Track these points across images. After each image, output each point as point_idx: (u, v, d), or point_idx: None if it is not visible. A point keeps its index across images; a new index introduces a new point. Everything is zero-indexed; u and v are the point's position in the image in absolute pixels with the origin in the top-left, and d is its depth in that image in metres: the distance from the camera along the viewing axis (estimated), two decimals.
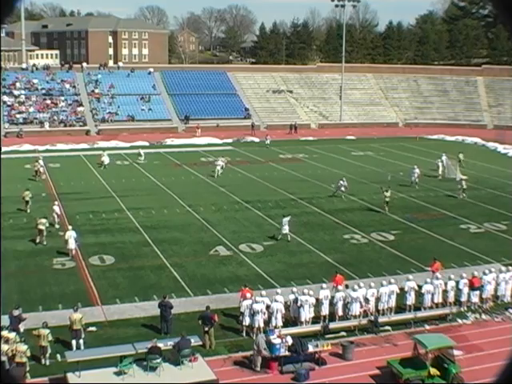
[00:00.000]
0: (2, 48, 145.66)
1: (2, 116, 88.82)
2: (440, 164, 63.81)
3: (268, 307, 28.00)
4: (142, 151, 72.10)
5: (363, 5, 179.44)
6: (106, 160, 67.37)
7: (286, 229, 41.86)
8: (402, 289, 30.52)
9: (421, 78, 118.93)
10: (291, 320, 28.81)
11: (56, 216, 43.99)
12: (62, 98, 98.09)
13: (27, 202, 48.34)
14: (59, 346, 25.81)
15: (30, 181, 57.50)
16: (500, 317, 30.85)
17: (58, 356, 24.94)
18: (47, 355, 25.03)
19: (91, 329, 27.78)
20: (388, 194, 49.68)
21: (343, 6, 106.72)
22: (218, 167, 63.48)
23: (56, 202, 47.19)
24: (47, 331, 25.02)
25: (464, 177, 61.61)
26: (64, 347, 25.66)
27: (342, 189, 54.49)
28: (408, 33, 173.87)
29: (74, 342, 26.21)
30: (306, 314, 28.54)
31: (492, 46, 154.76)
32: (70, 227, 40.46)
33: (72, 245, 38.04)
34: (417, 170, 59.66)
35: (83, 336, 26.52)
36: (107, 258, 38.02)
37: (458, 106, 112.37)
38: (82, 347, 26.21)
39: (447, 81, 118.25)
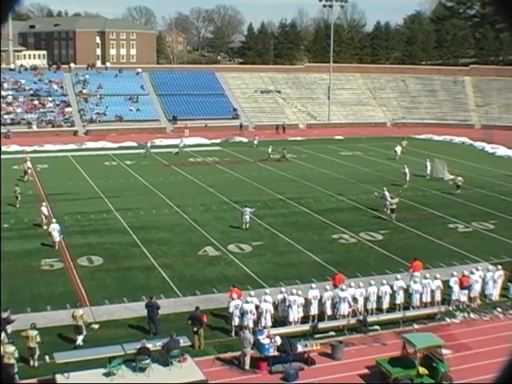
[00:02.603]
0: None
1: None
2: (428, 164, 64.00)
3: (257, 307, 28.01)
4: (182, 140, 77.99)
5: (351, 5, 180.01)
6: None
7: (247, 218, 44.53)
8: (391, 287, 30.61)
9: (408, 78, 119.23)
10: (280, 320, 28.82)
11: (44, 217, 43.86)
12: (50, 99, 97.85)
13: (17, 197, 48.93)
14: (48, 347, 25.71)
15: (18, 181, 57.24)
16: (488, 315, 30.97)
17: (47, 357, 24.83)
18: (36, 356, 24.97)
19: (93, 326, 27.92)
20: (394, 200, 48.30)
21: (331, 6, 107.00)
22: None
23: (44, 203, 47.13)
24: (35, 332, 24.97)
25: (451, 176, 61.96)
26: (52, 348, 25.55)
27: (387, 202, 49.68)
28: (396, 33, 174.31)
29: (77, 337, 26.77)
30: (295, 313, 28.56)
31: (479, 46, 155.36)
32: (53, 220, 41.49)
33: (56, 238, 39.26)
34: (406, 170, 59.98)
35: (84, 333, 26.85)
36: (96, 259, 37.93)
37: (445, 106, 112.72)
38: (81, 343, 26.55)
39: (435, 81, 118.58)
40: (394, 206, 47.86)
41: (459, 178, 57.26)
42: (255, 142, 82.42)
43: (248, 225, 44.69)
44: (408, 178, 59.67)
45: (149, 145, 76.26)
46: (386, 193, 49.60)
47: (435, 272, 33.33)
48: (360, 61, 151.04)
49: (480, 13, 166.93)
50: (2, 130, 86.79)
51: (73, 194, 54.93)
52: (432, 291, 30.97)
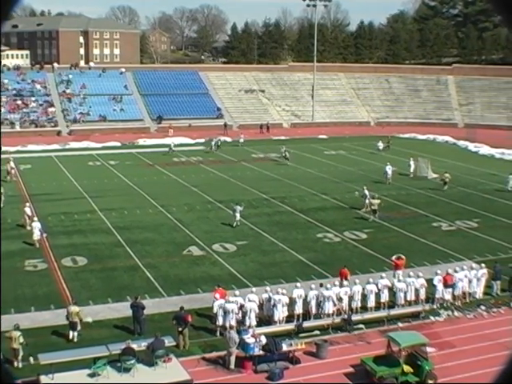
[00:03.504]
0: None
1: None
2: (412, 163, 64.22)
3: (242, 307, 28.03)
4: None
5: (334, 4, 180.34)
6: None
7: (237, 216, 44.92)
8: (376, 285, 30.72)
9: (392, 77, 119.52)
10: (265, 319, 28.84)
11: (27, 217, 43.68)
12: (33, 99, 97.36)
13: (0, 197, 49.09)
14: (32, 348, 25.56)
15: (1, 182, 56.90)
16: (472, 313, 31.12)
17: (31, 358, 24.74)
18: (19, 357, 24.88)
19: (87, 320, 28.16)
20: (376, 201, 48.37)
21: (315, 6, 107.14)
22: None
23: (27, 204, 46.92)
24: (19, 333, 24.88)
25: (435, 175, 62.31)
26: (37, 349, 25.42)
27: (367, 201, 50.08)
28: (379, 32, 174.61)
29: (71, 334, 27.12)
30: (280, 313, 28.59)
31: (462, 46, 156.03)
32: (35, 219, 41.84)
33: (37, 236, 39.76)
34: (389, 169, 60.23)
35: (79, 328, 27.18)
36: (80, 259, 37.80)
37: (429, 105, 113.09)
38: (76, 339, 26.92)
39: (418, 80, 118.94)
40: (376, 207, 47.91)
41: (446, 175, 57.88)
42: (241, 140, 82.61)
43: (238, 222, 45.10)
44: (390, 177, 59.96)
45: (172, 144, 76.84)
46: (366, 191, 49.76)
47: (419, 270, 33.43)
48: (344, 60, 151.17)
49: (463, 12, 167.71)
50: None
51: (56, 195, 54.72)
52: (416, 290, 31.10)
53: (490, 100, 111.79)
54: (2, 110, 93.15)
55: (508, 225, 47.13)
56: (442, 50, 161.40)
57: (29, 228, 42.54)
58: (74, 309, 27.22)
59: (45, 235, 40.73)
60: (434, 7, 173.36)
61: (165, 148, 77.30)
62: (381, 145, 78.06)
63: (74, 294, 32.04)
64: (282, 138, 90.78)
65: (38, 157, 73.27)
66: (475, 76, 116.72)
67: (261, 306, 28.74)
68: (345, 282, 31.20)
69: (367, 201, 49.19)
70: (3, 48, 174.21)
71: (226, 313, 27.71)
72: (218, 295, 28.63)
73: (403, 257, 34.97)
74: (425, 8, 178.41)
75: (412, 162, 64.38)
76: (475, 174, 65.73)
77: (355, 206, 50.99)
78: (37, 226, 40.28)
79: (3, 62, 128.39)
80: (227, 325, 27.43)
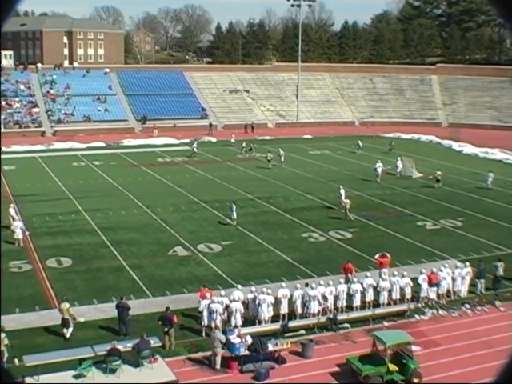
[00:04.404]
0: None
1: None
2: (399, 163, 64.46)
3: (227, 307, 28.03)
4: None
5: (319, 4, 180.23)
6: None
7: (234, 215, 45.17)
8: (361, 284, 30.81)
9: (376, 77, 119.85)
10: (250, 319, 28.85)
11: (12, 219, 43.41)
12: (17, 99, 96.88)
13: None
14: (17, 349, 25.44)
15: None
16: (457, 312, 31.25)
17: (16, 360, 24.64)
18: (4, 359, 24.76)
19: (80, 319, 28.23)
20: (347, 201, 48.39)
21: (299, 6, 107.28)
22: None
23: (11, 205, 46.66)
24: (3, 335, 24.81)
25: (419, 174, 62.61)
26: (22, 351, 25.32)
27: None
28: (363, 32, 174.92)
29: (65, 331, 27.27)
30: (265, 312, 28.61)
31: (446, 45, 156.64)
32: (16, 218, 42.05)
33: (18, 235, 39.95)
34: (379, 167, 60.84)
35: (71, 326, 27.24)
36: (64, 260, 37.68)
37: (413, 105, 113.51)
38: (68, 335, 27.12)
39: (402, 79, 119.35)
40: (348, 206, 48.04)
41: (438, 173, 58.49)
42: (232, 140, 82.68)
43: (235, 222, 45.33)
44: (379, 175, 60.41)
45: (195, 144, 76.34)
46: (342, 191, 49.63)
47: (404, 269, 33.54)
48: (328, 60, 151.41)
49: (446, 12, 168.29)
50: None
51: (41, 195, 54.52)
52: (401, 289, 31.19)
53: (474, 99, 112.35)
54: None
55: (492, 223, 47.38)
56: (425, 49, 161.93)
57: (12, 228, 42.49)
58: (65, 305, 27.40)
59: (27, 233, 40.83)
60: (417, 7, 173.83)
61: (149, 148, 77.17)
62: (361, 144, 78.56)
63: (59, 295, 31.96)
64: (267, 138, 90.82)
65: (22, 157, 72.94)
66: (459, 76, 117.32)
67: (246, 306, 28.76)
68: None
69: (341, 200, 49.10)
70: None
71: (211, 313, 27.72)
72: (208, 294, 28.65)
73: (388, 255, 35.13)
74: (409, 8, 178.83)
75: (399, 162, 64.62)
76: (459, 173, 66.00)
77: (338, 205, 50.93)
78: (18, 225, 40.42)
79: None
80: (213, 325, 27.44)
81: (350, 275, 32.55)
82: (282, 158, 69.46)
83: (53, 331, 28.00)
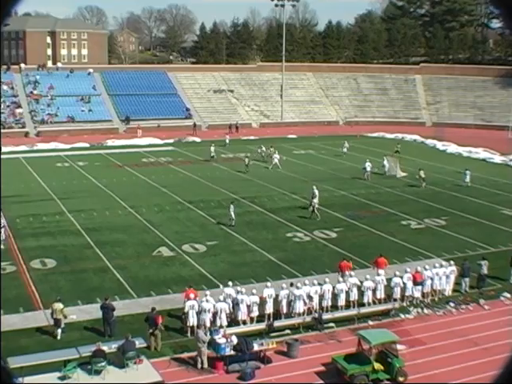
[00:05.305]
0: None
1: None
2: (386, 162, 64.68)
3: (213, 307, 28.00)
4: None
5: (302, 4, 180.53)
6: None
7: (232, 215, 45.07)
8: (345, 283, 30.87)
9: (360, 77, 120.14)
10: (235, 319, 28.84)
11: None
12: (0, 100, 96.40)
13: None
14: (2, 351, 25.31)
15: None
16: (441, 310, 31.40)
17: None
18: (62, 326, 25.13)
19: (71, 317, 28.39)
20: (315, 200, 48.33)
21: (283, 6, 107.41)
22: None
23: None
24: (62, 305, 25.13)
25: (404, 174, 62.85)
26: (7, 353, 25.16)
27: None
28: (347, 32, 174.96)
29: (59, 331, 27.43)
30: (243, 313, 28.60)
31: (429, 45, 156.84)
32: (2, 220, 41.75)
33: (2, 235, 39.96)
34: (368, 166, 61.40)
35: (63, 325, 27.40)
36: (49, 262, 37.52)
37: (397, 104, 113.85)
38: (59, 336, 27.27)
39: (386, 79, 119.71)
40: (317, 206, 48.11)
41: (421, 172, 58.59)
42: (226, 140, 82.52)
43: (233, 222, 45.31)
44: (369, 174, 60.81)
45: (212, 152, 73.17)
46: (316, 191, 49.43)
47: (391, 269, 33.64)
48: (312, 60, 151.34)
49: (430, 12, 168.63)
50: None
51: (24, 196, 54.24)
52: (390, 288, 31.25)
53: (458, 99, 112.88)
54: None
55: (475, 222, 47.63)
56: (409, 49, 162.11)
57: None
58: (58, 306, 27.39)
59: (6, 229, 41.20)
60: (401, 7, 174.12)
61: (133, 149, 77.06)
62: (347, 146, 77.33)
63: (44, 296, 31.89)
64: (251, 138, 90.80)
65: (6, 158, 72.23)
66: (442, 75, 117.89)
67: (232, 306, 28.75)
68: (347, 273, 31.51)
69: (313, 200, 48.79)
70: None
71: (199, 312, 27.69)
72: (192, 295, 28.64)
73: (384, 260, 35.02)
74: (392, 8, 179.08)
75: (386, 162, 64.83)
76: (443, 172, 66.26)
77: (324, 204, 50.97)
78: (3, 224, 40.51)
79: None
80: (201, 325, 27.40)
81: (347, 272, 32.54)
82: (276, 160, 68.04)
83: (37, 333, 27.92)
